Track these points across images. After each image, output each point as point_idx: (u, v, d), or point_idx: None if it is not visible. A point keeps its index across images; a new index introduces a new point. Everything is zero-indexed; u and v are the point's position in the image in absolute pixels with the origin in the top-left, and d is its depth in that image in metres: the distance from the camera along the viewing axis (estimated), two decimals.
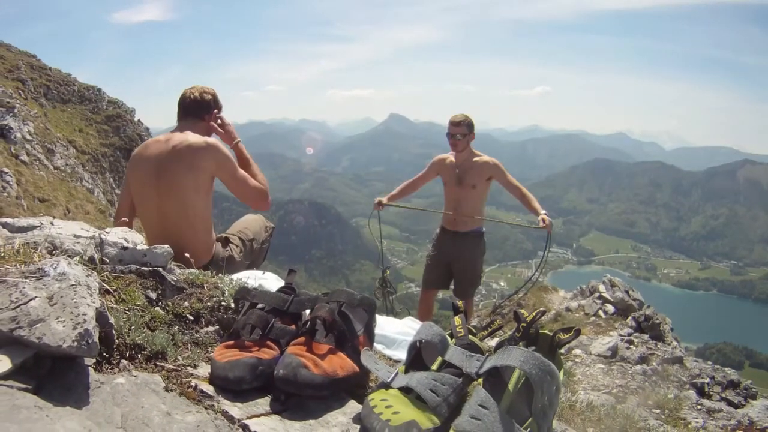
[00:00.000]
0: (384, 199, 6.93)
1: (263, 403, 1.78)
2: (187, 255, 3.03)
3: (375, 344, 2.50)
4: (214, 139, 4.12)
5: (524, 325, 1.89)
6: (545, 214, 6.28)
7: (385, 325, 2.97)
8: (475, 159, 6.47)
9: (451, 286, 7.11)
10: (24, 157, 16.14)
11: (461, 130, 6.32)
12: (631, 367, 6.89)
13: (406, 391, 1.74)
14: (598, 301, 9.06)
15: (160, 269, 2.42)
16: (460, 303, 2.16)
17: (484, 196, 6.68)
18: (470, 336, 1.97)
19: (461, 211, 6.61)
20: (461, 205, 6.63)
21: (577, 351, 7.28)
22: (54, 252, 2.27)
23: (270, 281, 3.10)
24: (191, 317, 2.29)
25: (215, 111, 4.44)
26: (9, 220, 2.56)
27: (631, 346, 7.53)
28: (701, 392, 6.54)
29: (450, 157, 6.62)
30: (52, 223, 2.61)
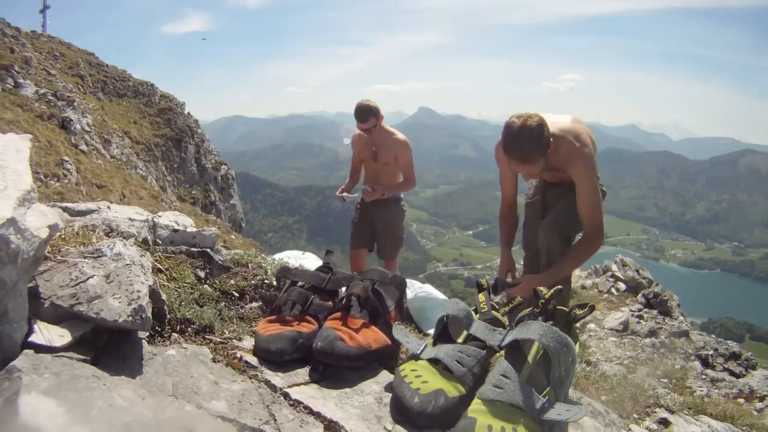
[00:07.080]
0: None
1: (303, 373, 1.79)
2: None
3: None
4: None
5: (543, 301, 1.88)
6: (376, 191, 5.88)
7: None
8: (390, 137, 6.03)
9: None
10: (83, 147, 16.30)
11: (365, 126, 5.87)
12: (641, 340, 6.84)
13: (434, 362, 1.75)
14: (611, 280, 9.01)
15: (208, 250, 2.43)
16: (483, 281, 2.15)
17: (398, 170, 6.15)
18: (493, 312, 1.97)
19: (379, 183, 6.09)
20: (380, 177, 6.12)
21: (592, 325, 7.24)
22: (110, 234, 2.28)
23: (309, 261, 3.11)
24: (237, 294, 2.30)
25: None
26: (69, 205, 2.58)
27: (641, 320, 7.48)
28: (705, 363, 6.50)
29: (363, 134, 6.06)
30: (108, 208, 2.62)
